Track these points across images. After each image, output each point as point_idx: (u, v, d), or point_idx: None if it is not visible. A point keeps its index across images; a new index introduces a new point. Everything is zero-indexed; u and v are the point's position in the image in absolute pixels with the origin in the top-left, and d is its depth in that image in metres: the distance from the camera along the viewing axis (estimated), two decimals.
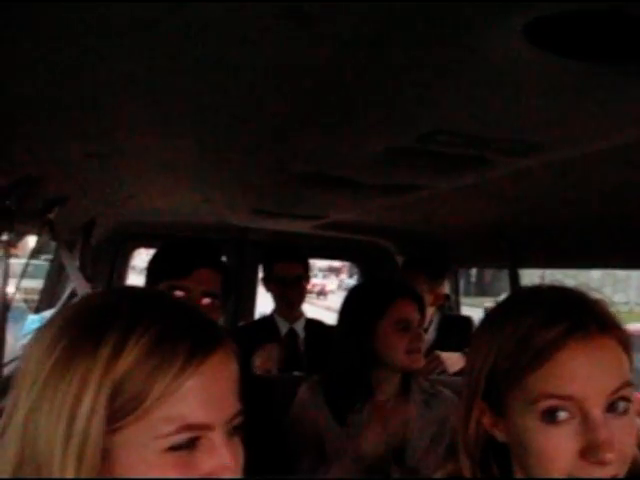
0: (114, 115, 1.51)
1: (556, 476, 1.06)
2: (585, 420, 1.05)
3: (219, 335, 0.93)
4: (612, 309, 1.14)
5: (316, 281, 30.51)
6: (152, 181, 2.66)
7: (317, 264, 27.86)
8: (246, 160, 2.01)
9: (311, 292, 22.62)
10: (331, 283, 34.12)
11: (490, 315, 1.24)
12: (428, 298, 3.42)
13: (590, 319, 1.09)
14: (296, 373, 3.10)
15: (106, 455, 0.83)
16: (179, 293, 1.95)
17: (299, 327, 3.43)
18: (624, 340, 1.10)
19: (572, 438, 1.05)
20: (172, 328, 0.87)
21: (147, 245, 4.99)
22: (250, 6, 0.83)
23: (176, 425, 0.84)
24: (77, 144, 1.83)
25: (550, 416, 1.06)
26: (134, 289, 1.06)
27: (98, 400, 0.81)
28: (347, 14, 0.85)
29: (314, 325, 3.47)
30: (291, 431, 2.34)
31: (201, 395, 0.86)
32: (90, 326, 0.86)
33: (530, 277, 3.33)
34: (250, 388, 2.12)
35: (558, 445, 1.05)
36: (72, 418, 0.81)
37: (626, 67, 0.93)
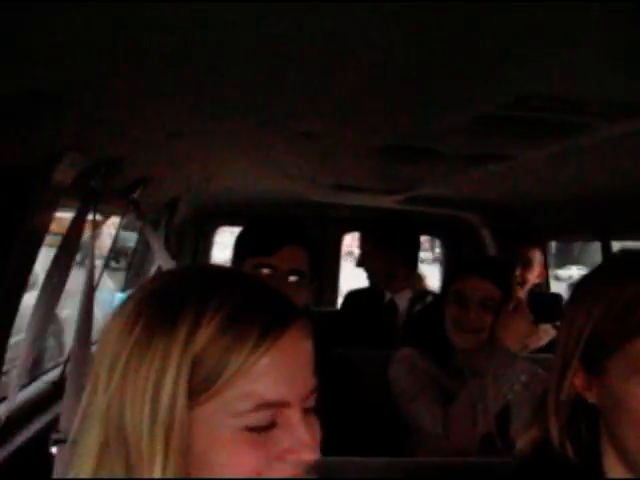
0: (195, 97, 1.51)
1: None
2: None
3: (294, 311, 0.91)
4: None
5: None
6: (233, 161, 2.66)
7: None
8: (327, 135, 1.98)
9: None
10: None
11: (588, 280, 1.22)
12: (537, 270, 3.43)
13: None
14: None
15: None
16: (265, 271, 1.93)
17: (401, 299, 3.27)
18: None
19: None
20: (246, 304, 0.86)
21: (229, 223, 5.06)
22: None
23: (253, 403, 0.83)
24: (159, 125, 1.83)
25: None
26: (206, 266, 1.06)
27: (179, 378, 0.81)
28: None
29: (420, 298, 3.27)
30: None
31: (277, 371, 0.84)
32: (166, 304, 0.86)
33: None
34: (335, 364, 2.10)
35: None
36: (156, 398, 0.81)
37: None
